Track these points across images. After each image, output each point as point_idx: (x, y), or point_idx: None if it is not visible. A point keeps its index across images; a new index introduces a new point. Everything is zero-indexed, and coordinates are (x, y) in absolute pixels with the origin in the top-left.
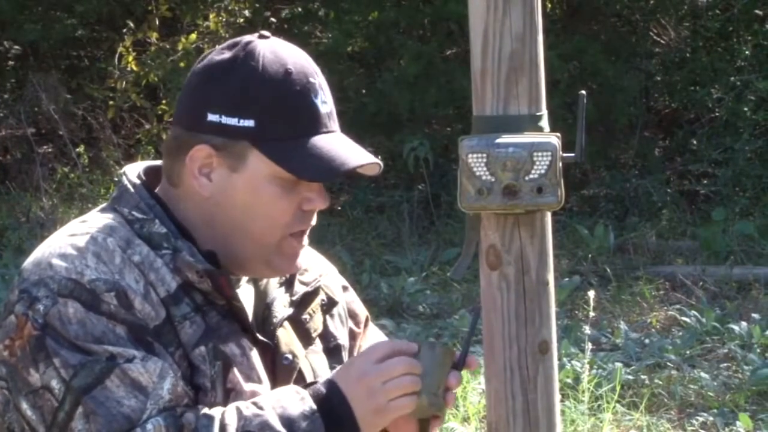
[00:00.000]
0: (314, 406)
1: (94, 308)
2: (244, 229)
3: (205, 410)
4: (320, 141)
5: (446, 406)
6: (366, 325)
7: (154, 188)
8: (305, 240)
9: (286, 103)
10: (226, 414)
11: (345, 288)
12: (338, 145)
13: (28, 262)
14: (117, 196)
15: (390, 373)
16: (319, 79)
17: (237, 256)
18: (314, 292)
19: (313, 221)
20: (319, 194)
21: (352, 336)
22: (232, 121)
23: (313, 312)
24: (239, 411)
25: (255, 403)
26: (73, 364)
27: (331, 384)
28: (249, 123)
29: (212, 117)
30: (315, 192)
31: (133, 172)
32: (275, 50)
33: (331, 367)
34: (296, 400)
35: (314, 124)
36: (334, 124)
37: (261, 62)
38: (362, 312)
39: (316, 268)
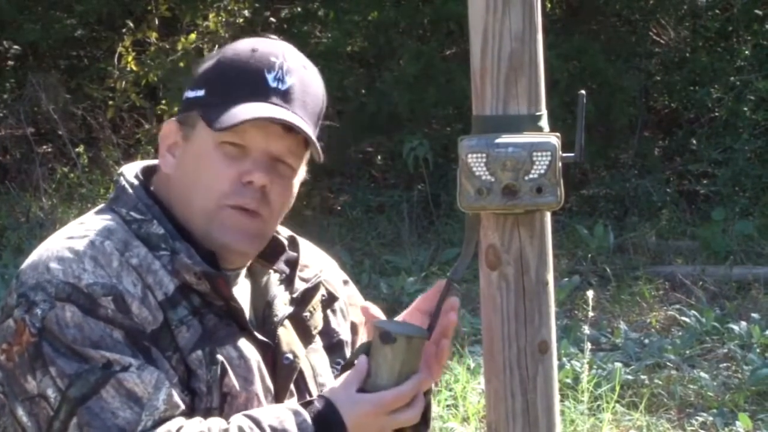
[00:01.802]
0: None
1: (92, 312)
2: (189, 199)
3: (203, 428)
4: (253, 105)
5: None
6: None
7: (151, 188)
8: (253, 220)
9: (234, 73)
10: None
11: (345, 282)
12: (266, 110)
13: (26, 265)
14: (115, 196)
15: (395, 424)
16: (284, 62)
17: (192, 232)
18: (314, 288)
19: (260, 202)
20: (257, 167)
21: (354, 330)
22: (192, 93)
23: (314, 309)
24: (241, 431)
25: (257, 424)
26: (69, 373)
27: (335, 414)
28: (200, 93)
29: (185, 95)
30: (255, 165)
31: (130, 172)
32: (260, 38)
33: (333, 363)
34: (295, 424)
35: (255, 92)
36: (283, 102)
37: (235, 44)
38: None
39: (315, 263)
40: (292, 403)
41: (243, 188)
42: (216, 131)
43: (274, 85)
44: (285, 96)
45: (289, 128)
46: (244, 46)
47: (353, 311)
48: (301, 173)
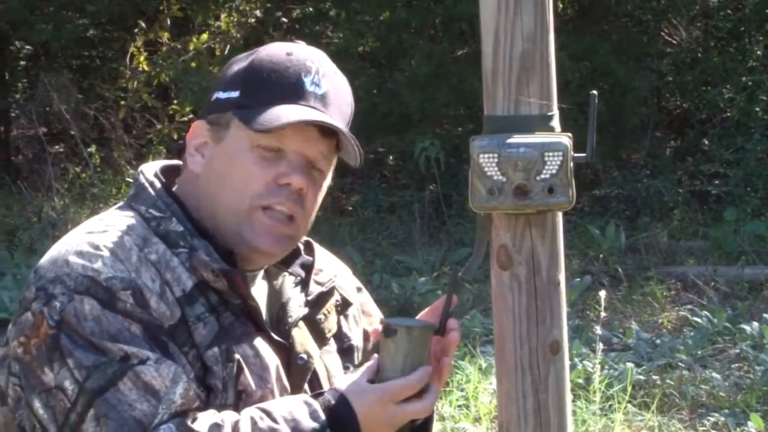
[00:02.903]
0: (326, 422)
1: (110, 306)
2: (218, 198)
3: (217, 419)
4: (292, 107)
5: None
6: None
7: (171, 187)
8: (287, 226)
9: (271, 75)
10: (241, 425)
11: (359, 289)
12: (308, 113)
13: (45, 259)
14: (134, 194)
15: (405, 414)
16: (320, 67)
17: (218, 231)
18: (329, 293)
19: (296, 204)
20: (294, 170)
21: (366, 337)
22: (224, 94)
23: (328, 312)
24: (253, 422)
25: (268, 414)
26: (86, 365)
27: (345, 404)
28: (234, 94)
29: (215, 95)
30: (292, 167)
31: (150, 171)
32: (292, 43)
33: (345, 367)
34: (306, 414)
35: (294, 95)
36: (321, 106)
37: (267, 47)
38: (377, 313)
39: (330, 268)
40: (303, 394)
41: (278, 189)
42: (256, 132)
43: (311, 89)
44: (322, 100)
45: (324, 132)
46: (277, 49)
47: (365, 319)
48: (329, 179)
